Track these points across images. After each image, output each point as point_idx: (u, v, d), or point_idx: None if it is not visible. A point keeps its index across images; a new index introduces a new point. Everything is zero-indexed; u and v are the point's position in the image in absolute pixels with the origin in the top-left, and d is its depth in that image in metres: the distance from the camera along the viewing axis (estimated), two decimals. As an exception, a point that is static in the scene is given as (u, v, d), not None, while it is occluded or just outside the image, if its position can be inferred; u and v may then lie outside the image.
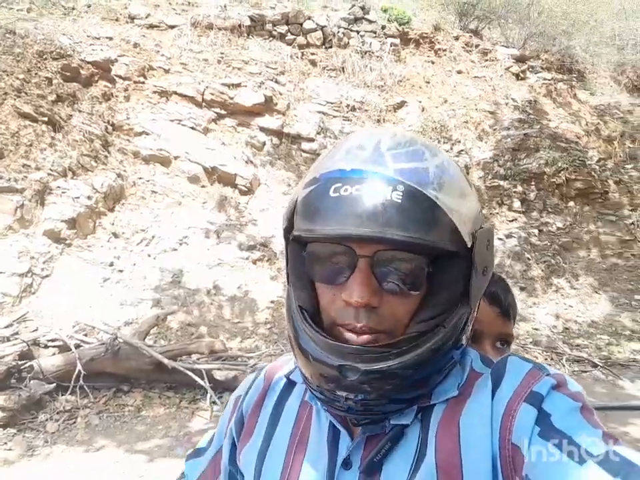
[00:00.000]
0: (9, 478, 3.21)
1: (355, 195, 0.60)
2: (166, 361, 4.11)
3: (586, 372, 5.03)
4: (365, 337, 0.62)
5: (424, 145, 0.66)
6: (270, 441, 0.75)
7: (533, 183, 7.95)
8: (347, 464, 0.66)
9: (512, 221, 7.63)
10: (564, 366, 5.14)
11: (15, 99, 6.12)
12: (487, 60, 9.98)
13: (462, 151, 8.23)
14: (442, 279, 0.64)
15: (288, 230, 0.70)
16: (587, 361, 5.28)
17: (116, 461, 3.47)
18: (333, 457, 0.68)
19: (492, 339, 1.11)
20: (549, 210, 7.80)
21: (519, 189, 7.85)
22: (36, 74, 6.55)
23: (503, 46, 10.56)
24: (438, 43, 9.93)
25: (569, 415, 0.59)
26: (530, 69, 10.05)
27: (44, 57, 6.77)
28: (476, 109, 8.77)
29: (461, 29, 10.59)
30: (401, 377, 0.61)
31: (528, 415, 0.59)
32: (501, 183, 7.89)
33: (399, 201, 0.59)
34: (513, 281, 6.91)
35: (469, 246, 0.64)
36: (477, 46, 10.10)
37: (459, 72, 9.60)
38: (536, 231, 7.51)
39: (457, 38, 10.15)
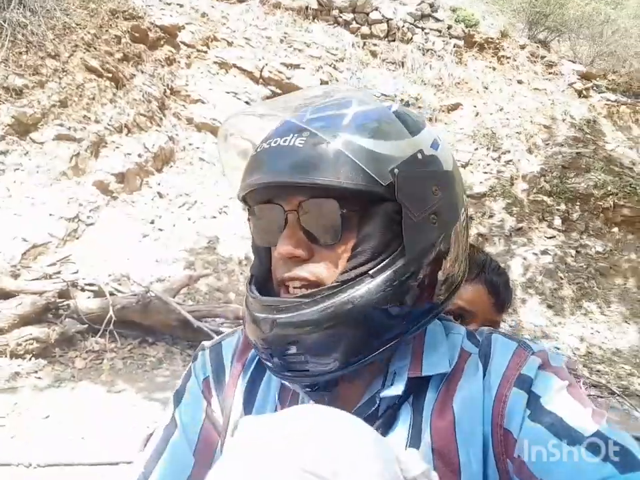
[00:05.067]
0: (36, 404, 3.43)
1: (265, 147, 0.62)
2: (192, 319, 4.28)
3: (602, 397, 4.97)
4: (296, 290, 0.62)
5: (358, 98, 0.66)
6: None
7: (577, 204, 7.79)
8: None
9: (550, 238, 7.51)
10: (580, 388, 5.09)
11: (84, 53, 6.37)
12: (550, 73, 9.76)
13: (510, 161, 8.13)
14: (366, 225, 0.61)
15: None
16: (604, 388, 5.22)
17: (133, 405, 3.66)
18: None
19: (480, 324, 1.18)
20: (590, 233, 7.64)
21: (562, 207, 7.71)
22: (106, 31, 6.80)
23: (570, 61, 10.30)
24: (502, 49, 9.76)
25: (557, 394, 0.60)
26: (594, 88, 9.77)
27: (116, 15, 7.01)
28: (531, 121, 8.62)
29: (528, 38, 10.36)
30: (315, 327, 0.58)
31: (518, 400, 0.60)
32: (545, 198, 7.77)
33: (301, 145, 0.60)
34: (542, 298, 6.84)
35: (385, 184, 0.59)
36: (542, 57, 9.88)
37: (520, 82, 9.43)
38: (573, 252, 7.38)
39: (522, 47, 9.96)
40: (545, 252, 7.30)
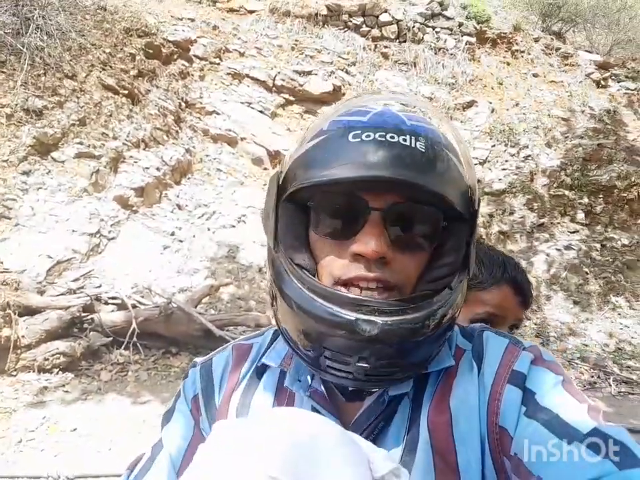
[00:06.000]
0: (64, 417, 3.51)
1: (379, 140, 0.58)
2: (214, 329, 4.33)
3: (633, 394, 4.84)
4: (377, 293, 0.59)
5: (427, 111, 0.70)
6: None
7: (601, 196, 7.62)
8: None
9: (573, 232, 7.36)
10: (610, 385, 4.97)
11: (100, 72, 6.51)
12: (566, 65, 9.60)
13: (529, 156, 8.00)
14: (450, 240, 0.63)
15: (281, 189, 0.67)
16: (635, 384, 5.08)
17: (159, 415, 3.65)
18: None
19: (508, 325, 1.18)
20: (616, 225, 7.47)
21: (585, 200, 7.56)
22: (121, 49, 6.94)
23: (586, 51, 10.11)
24: (516, 43, 9.65)
25: (552, 390, 0.59)
26: (613, 77, 9.56)
27: (130, 33, 7.15)
28: (549, 115, 8.48)
29: (542, 31, 10.22)
30: (416, 333, 0.58)
31: (513, 397, 0.60)
32: (566, 192, 7.62)
33: (423, 150, 0.59)
34: (567, 294, 6.71)
35: (476, 208, 0.64)
36: (557, 49, 9.74)
37: (535, 75, 9.30)
38: (598, 246, 7.22)
39: (536, 40, 9.83)
40: (568, 247, 7.16)
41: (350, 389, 0.65)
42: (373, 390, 0.65)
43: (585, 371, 5.38)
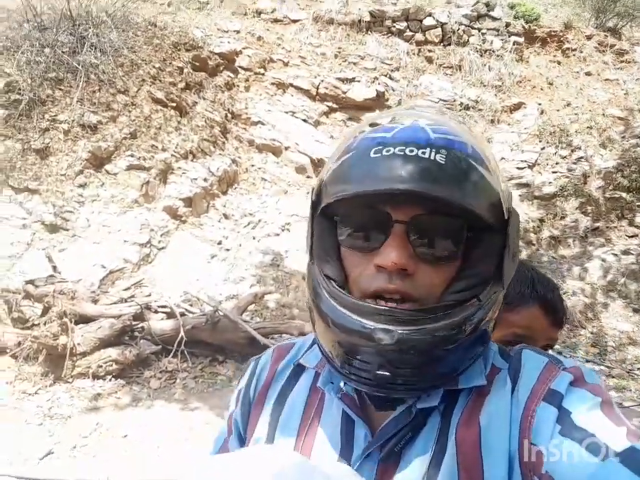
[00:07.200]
0: (116, 423, 3.63)
1: (398, 154, 0.59)
2: (259, 337, 4.37)
3: (700, 410, 4.55)
4: (399, 304, 0.60)
5: (457, 124, 0.67)
6: (274, 433, 0.72)
7: (661, 198, 7.23)
8: (366, 454, 0.65)
9: (632, 236, 7.00)
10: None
11: (150, 86, 6.75)
12: (622, 62, 9.19)
13: (582, 158, 7.69)
14: (478, 251, 0.63)
15: (315, 204, 0.70)
16: (703, 399, 4.77)
17: (207, 423, 3.77)
18: (349, 447, 0.66)
19: (540, 346, 1.12)
20: (679, 229, 7.06)
21: (644, 203, 7.19)
22: (170, 63, 7.16)
23: (643, 46, 9.66)
24: (567, 42, 9.32)
25: (589, 411, 0.58)
26: (673, 73, 9.08)
27: (178, 47, 7.38)
28: (603, 114, 8.13)
29: (596, 27, 9.82)
30: (436, 344, 0.59)
31: (548, 415, 0.58)
32: (623, 195, 7.27)
33: (443, 162, 0.59)
34: (626, 302, 6.38)
35: (507, 217, 0.64)
36: (612, 46, 9.33)
37: (588, 74, 8.94)
38: (659, 251, 6.85)
39: (589, 37, 9.46)
40: (626, 252, 6.82)
41: (380, 395, 0.65)
42: (402, 398, 0.65)
43: (645, 383, 5.10)
